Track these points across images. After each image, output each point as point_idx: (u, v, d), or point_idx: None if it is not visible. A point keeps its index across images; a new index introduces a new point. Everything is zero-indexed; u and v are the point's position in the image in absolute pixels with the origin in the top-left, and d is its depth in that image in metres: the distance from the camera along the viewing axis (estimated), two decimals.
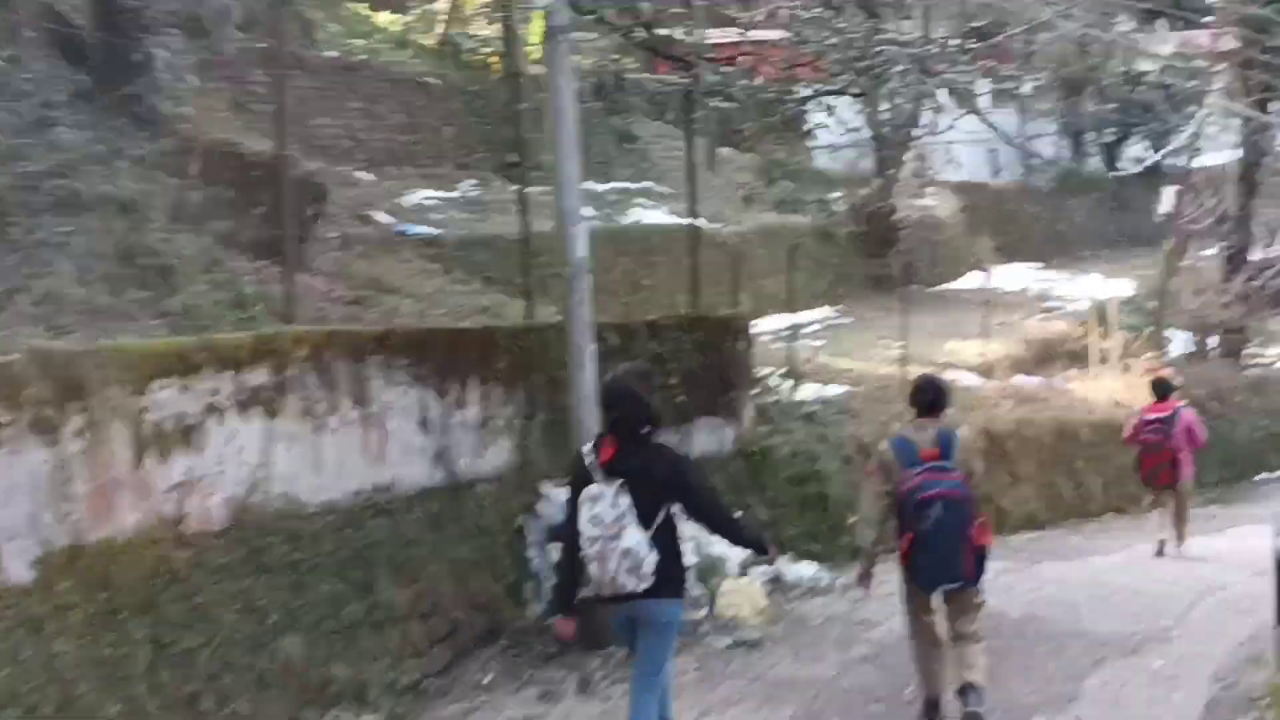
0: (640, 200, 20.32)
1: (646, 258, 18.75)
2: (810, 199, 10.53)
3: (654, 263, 18.66)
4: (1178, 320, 22.20)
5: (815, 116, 26.24)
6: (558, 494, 8.67)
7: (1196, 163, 21.91)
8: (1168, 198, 20.16)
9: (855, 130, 21.14)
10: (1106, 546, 12.33)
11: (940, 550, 5.99)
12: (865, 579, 6.57)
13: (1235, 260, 22.84)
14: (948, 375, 16.09)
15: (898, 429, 6.89)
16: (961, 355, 17.00)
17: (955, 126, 26.59)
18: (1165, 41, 29.75)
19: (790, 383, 12.30)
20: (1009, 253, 27.89)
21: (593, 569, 5.18)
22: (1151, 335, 19.65)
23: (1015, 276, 25.69)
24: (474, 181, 18.84)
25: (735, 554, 9.16)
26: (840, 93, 9.84)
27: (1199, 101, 21.53)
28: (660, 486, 5.19)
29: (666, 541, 5.22)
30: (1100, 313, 19.86)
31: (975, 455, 6.55)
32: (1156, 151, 28.60)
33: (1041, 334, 19.46)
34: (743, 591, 8.89)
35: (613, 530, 5.10)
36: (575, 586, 5.46)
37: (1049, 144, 30.98)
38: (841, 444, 11.51)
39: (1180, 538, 11.70)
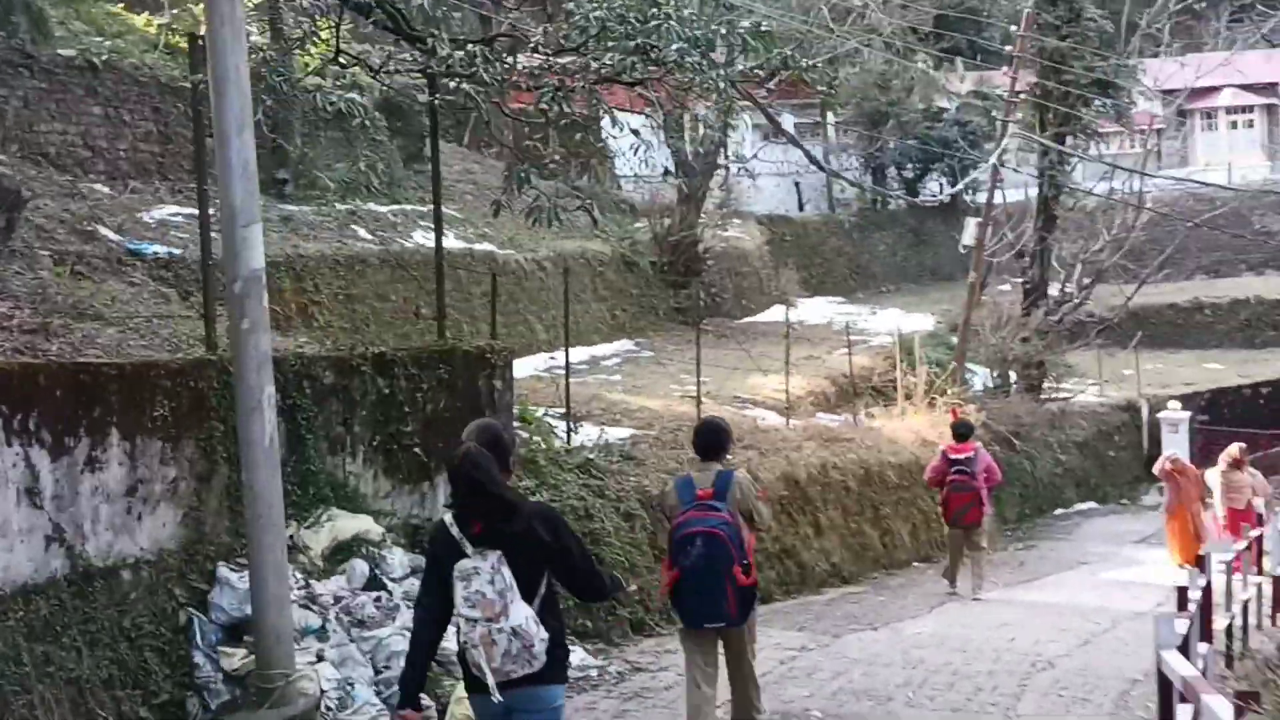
0: (426, 223, 18.17)
1: (430, 283, 16.62)
2: (573, 206, 8.51)
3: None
4: (978, 355, 21.16)
5: (612, 136, 24.70)
6: (239, 578, 6.41)
7: (997, 197, 20.96)
8: (970, 230, 18.99)
9: (650, 150, 19.34)
10: (916, 607, 10.65)
11: (700, 587, 5.81)
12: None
13: (1034, 295, 21.98)
14: (749, 413, 14.42)
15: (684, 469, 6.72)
16: (763, 391, 15.29)
17: (759, 157, 25.34)
18: (962, 79, 29.13)
19: (565, 426, 10.26)
20: (813, 286, 26.72)
21: (474, 655, 4.25)
22: (954, 370, 18.39)
23: (819, 310, 24.40)
24: None
25: None
26: (615, 80, 7.85)
27: (997, 137, 20.52)
28: (542, 554, 4.34)
29: (551, 615, 4.36)
30: (905, 347, 18.55)
31: (756, 498, 6.15)
32: (955, 187, 27.89)
33: (845, 369, 17.96)
34: None
35: (495, 610, 4.20)
36: (424, 677, 4.59)
37: (851, 178, 29.96)
38: (623, 497, 9.52)
39: (979, 576, 11.28)
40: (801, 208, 29.28)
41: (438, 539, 4.44)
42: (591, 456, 9.83)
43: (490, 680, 4.20)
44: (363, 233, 16.68)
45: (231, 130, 5.75)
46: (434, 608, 4.38)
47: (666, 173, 18.93)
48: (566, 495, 8.98)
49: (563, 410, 10.71)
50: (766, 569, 10.64)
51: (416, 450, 7.71)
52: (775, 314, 23.87)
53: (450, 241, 17.70)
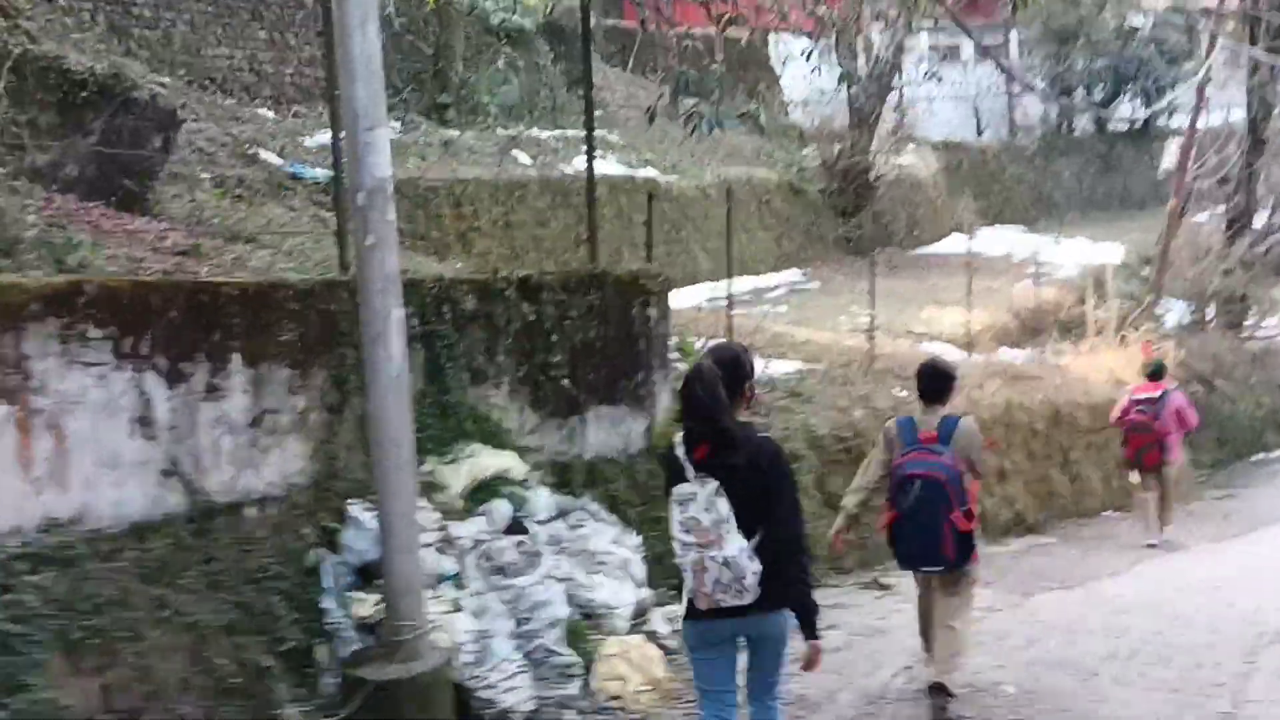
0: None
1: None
2: (735, 114, 7.61)
3: (599, 215, 15.87)
4: (1174, 288, 19.37)
5: (782, 50, 23.51)
6: (372, 518, 5.82)
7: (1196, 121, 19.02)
8: (1171, 153, 17.22)
9: (821, 68, 17.97)
10: (1114, 564, 9.52)
11: (917, 530, 5.69)
12: (838, 536, 5.98)
13: (1238, 224, 19.97)
14: (925, 348, 13.32)
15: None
16: (940, 325, 14.14)
17: (938, 78, 23.78)
18: None
19: None
20: (991, 215, 25.06)
21: (687, 580, 4.25)
22: (1150, 304, 16.79)
23: (998, 240, 22.80)
24: (398, 122, 15.98)
25: (625, 599, 6.32)
26: None
27: (1202, 54, 18.53)
28: (759, 487, 4.18)
29: (771, 548, 4.19)
30: (1096, 279, 17.00)
31: (979, 447, 5.91)
32: (1149, 110, 25.73)
33: (1030, 302, 16.59)
34: (633, 655, 6.03)
35: (710, 538, 4.14)
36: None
37: (1036, 102, 27.93)
38: (788, 437, 8.65)
39: (1164, 523, 10.65)
40: (980, 133, 27.46)
41: (667, 458, 4.32)
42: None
43: (699, 604, 4.15)
44: (524, 158, 16.07)
45: (353, 23, 5.03)
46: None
47: (843, 78, 17.55)
48: None
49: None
50: None
51: (564, 382, 7.00)
52: (950, 244, 22.45)
53: (612, 167, 16.95)
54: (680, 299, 13.40)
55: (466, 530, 6.06)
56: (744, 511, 4.11)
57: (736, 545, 4.08)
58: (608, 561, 6.35)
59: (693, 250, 17.34)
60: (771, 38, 24.07)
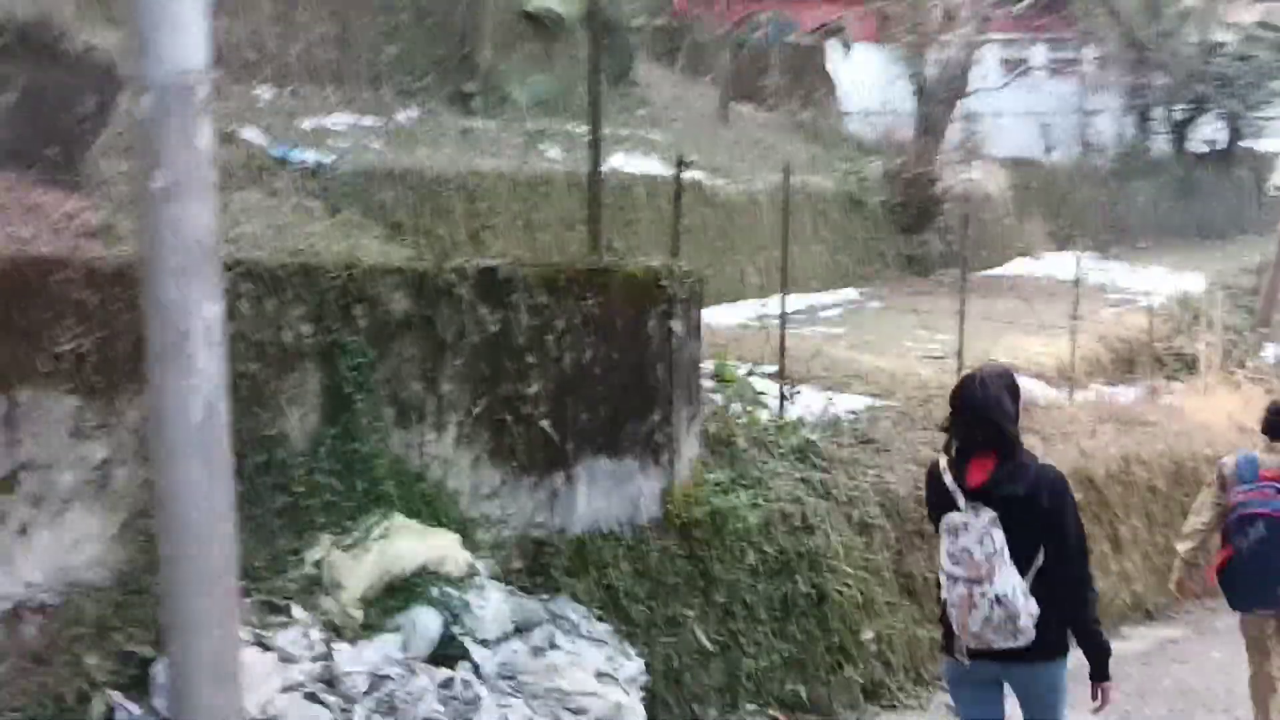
0: (627, 146, 15.20)
1: (625, 213, 13.84)
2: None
3: (634, 219, 13.71)
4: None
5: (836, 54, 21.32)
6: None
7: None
8: None
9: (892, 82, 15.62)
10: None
11: (1256, 571, 5.26)
12: (1182, 587, 5.79)
13: None
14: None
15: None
16: (1025, 355, 11.65)
17: (1008, 86, 21.31)
18: (1248, 10, 24.03)
19: (775, 389, 6.97)
20: (1060, 239, 22.43)
21: (953, 616, 3.69)
22: (1260, 338, 14.22)
23: (1069, 266, 20.20)
24: (415, 111, 13.86)
25: None
26: None
27: None
28: (1040, 523, 3.63)
29: (1046, 588, 3.61)
30: (1191, 308, 14.43)
31: None
32: (1233, 130, 23.03)
33: (1119, 332, 14.06)
34: None
35: (981, 572, 3.61)
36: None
37: (1111, 120, 25.23)
38: (856, 499, 6.20)
39: None
40: (1049, 151, 24.80)
41: (931, 483, 3.83)
42: (812, 437, 6.52)
43: (961, 643, 3.65)
44: (551, 153, 13.83)
45: None
46: None
47: (913, 79, 14.94)
48: (777, 496, 5.72)
49: (773, 369, 7.45)
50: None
51: (544, 424, 4.61)
52: (1018, 267, 20.01)
53: (653, 166, 14.74)
54: (721, 315, 11.10)
55: (363, 658, 3.68)
56: (1019, 546, 3.60)
57: (1010, 582, 3.59)
58: (589, 708, 3.94)
59: (739, 261, 15.00)
60: (830, 44, 21.86)
